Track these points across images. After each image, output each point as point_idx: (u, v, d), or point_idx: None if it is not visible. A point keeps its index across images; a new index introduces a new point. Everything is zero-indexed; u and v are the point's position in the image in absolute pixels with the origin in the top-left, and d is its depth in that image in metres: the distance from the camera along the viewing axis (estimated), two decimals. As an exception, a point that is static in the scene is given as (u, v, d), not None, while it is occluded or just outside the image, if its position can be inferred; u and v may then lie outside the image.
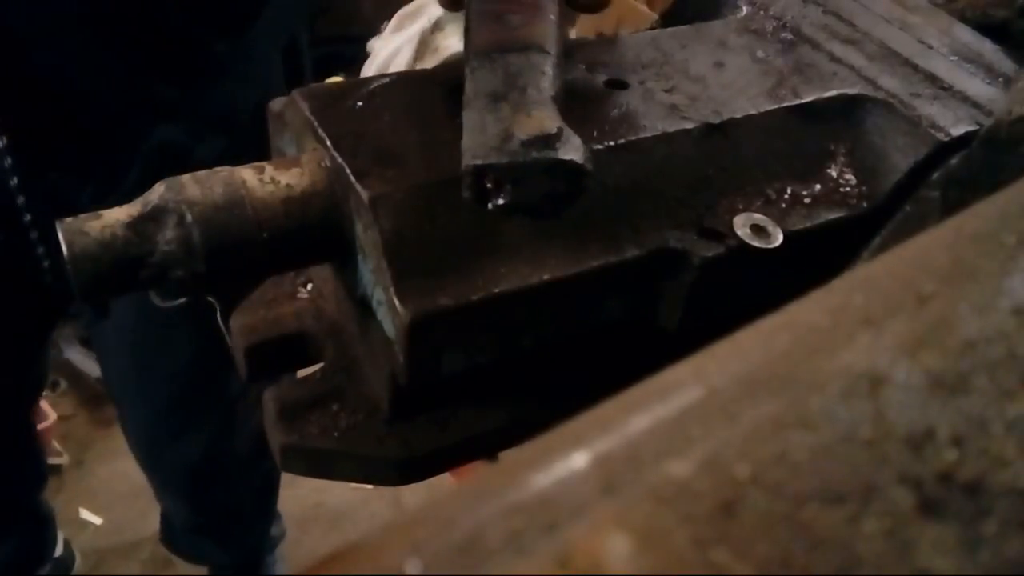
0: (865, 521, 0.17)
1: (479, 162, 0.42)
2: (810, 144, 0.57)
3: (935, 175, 0.54)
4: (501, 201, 0.43)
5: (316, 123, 0.51)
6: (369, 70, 1.49)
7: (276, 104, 0.57)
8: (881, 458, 0.18)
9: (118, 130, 1.11)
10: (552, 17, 0.52)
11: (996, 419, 0.19)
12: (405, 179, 0.47)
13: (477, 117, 0.45)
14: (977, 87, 0.60)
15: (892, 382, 0.20)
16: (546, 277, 0.47)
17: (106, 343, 1.51)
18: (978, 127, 0.56)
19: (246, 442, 1.54)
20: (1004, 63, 0.64)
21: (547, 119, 0.43)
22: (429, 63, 1.39)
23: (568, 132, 0.44)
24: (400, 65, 1.45)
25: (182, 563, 1.96)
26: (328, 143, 0.50)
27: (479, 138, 0.44)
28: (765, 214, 0.53)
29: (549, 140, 0.43)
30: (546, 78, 0.47)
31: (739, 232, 0.51)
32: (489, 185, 0.43)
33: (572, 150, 0.43)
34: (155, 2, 1.04)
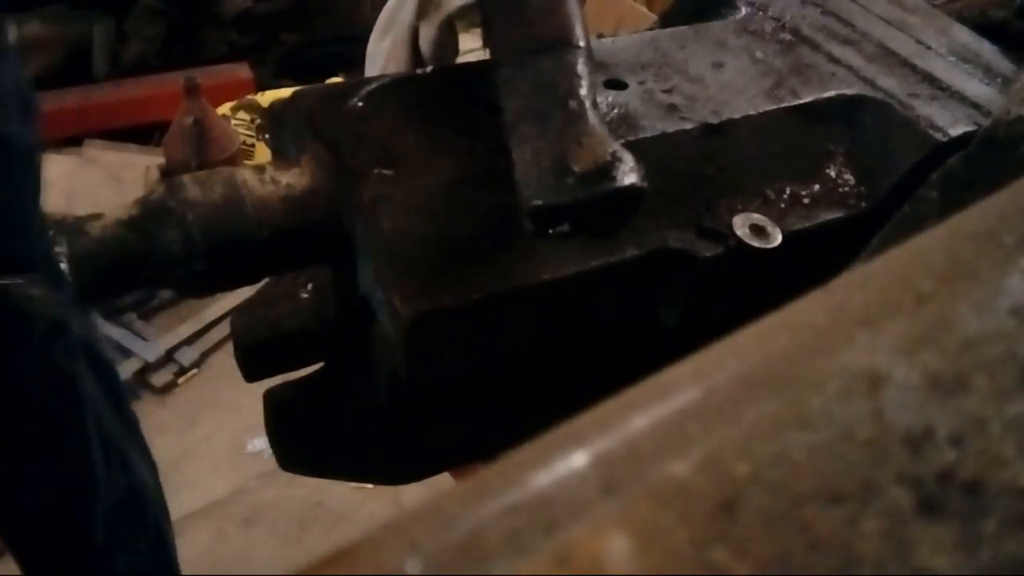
0: (864, 520, 0.17)
1: (541, 202, 0.42)
2: (809, 144, 0.57)
3: (933, 175, 0.54)
4: (563, 229, 0.43)
5: (316, 123, 0.51)
6: (373, 47, 1.46)
7: (276, 104, 0.57)
8: (880, 457, 0.18)
9: None
10: None
11: (995, 418, 0.19)
12: (405, 179, 0.47)
13: (527, 146, 0.44)
14: (975, 87, 0.60)
15: (891, 382, 0.20)
16: (546, 277, 0.47)
17: None
18: (976, 127, 0.56)
19: None
20: (1002, 63, 0.64)
21: (598, 145, 0.43)
22: (433, 19, 1.35)
23: (621, 151, 0.43)
24: (403, 22, 1.41)
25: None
26: (328, 143, 0.50)
27: (534, 173, 0.43)
28: (764, 214, 0.53)
29: (607, 169, 0.42)
30: (582, 82, 0.46)
31: (738, 232, 0.51)
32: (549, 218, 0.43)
33: (629, 173, 0.42)
34: None
